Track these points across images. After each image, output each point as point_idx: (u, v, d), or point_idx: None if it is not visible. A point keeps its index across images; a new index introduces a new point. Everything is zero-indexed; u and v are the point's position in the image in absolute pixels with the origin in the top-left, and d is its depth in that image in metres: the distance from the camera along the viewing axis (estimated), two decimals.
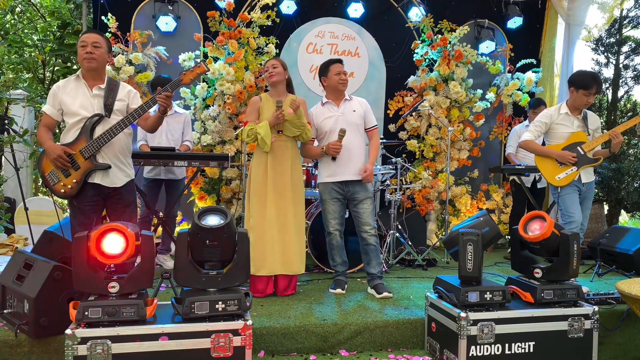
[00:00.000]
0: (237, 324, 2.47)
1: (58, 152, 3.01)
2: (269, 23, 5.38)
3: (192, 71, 3.13)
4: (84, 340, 2.31)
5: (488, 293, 2.81)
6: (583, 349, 2.86)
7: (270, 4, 5.30)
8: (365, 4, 6.00)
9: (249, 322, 2.48)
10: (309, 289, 3.87)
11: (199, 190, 5.24)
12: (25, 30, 6.60)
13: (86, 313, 2.35)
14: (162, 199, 4.61)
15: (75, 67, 6.38)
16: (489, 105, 5.90)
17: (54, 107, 3.15)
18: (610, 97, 6.42)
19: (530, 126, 3.99)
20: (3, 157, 4.44)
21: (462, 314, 2.69)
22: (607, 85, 6.49)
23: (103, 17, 5.30)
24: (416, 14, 6.00)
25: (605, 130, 3.86)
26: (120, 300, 2.41)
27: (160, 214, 4.30)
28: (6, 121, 4.11)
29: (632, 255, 4.46)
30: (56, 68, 7.02)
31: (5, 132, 4.23)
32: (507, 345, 2.76)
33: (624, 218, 7.44)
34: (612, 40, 6.38)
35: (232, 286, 2.63)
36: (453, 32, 5.71)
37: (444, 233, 5.88)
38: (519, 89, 5.94)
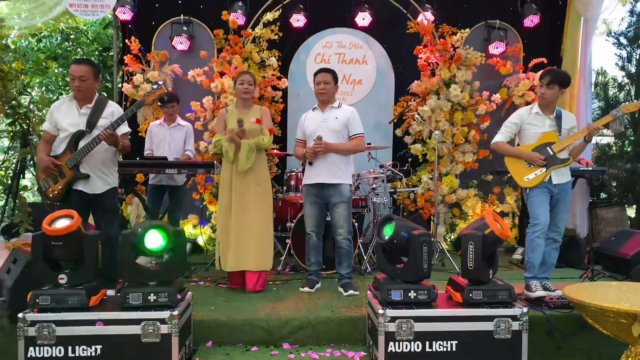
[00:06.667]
0: (164, 314, 2.76)
1: (46, 162, 3.51)
2: (275, 37, 5.69)
3: (154, 93, 3.53)
4: (32, 323, 2.70)
5: (412, 292, 2.90)
6: (512, 350, 2.85)
7: (271, 20, 5.61)
8: (373, 13, 6.13)
9: (175, 312, 2.77)
10: (282, 287, 4.10)
11: (209, 195, 5.64)
12: (74, 55, 7.45)
13: (37, 300, 2.76)
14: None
15: (109, 85, 7.11)
16: (495, 106, 5.81)
17: (50, 124, 3.65)
18: (634, 92, 6.04)
19: (502, 127, 3.96)
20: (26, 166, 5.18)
21: (380, 311, 2.81)
22: (630, 80, 6.10)
23: (126, 41, 5.89)
24: (424, 19, 6.03)
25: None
26: (68, 290, 2.80)
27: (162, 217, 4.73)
28: (29, 136, 4.78)
29: (629, 259, 4.25)
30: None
31: (28, 146, 4.89)
32: (427, 343, 2.82)
33: None
34: (632, 34, 6.00)
35: (170, 279, 2.95)
36: (454, 36, 5.69)
37: (452, 237, 5.87)
38: (530, 89, 5.78)
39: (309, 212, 4.02)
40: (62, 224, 2.79)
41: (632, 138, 6.06)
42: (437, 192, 5.06)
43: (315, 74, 4.06)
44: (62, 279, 2.80)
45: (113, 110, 3.69)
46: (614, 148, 6.22)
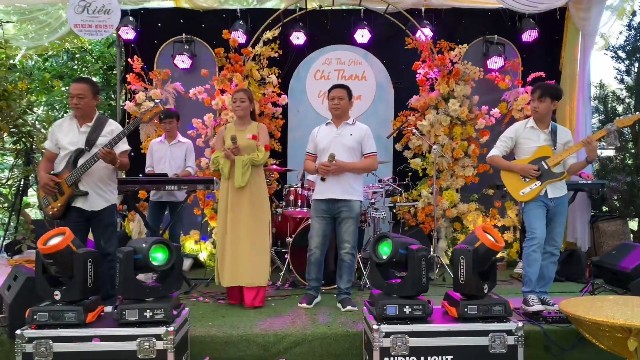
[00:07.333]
0: (160, 330, 2.78)
1: (45, 180, 3.57)
2: (275, 55, 5.78)
3: (151, 111, 3.59)
4: (30, 340, 2.73)
5: (407, 307, 2.90)
6: None
7: (272, 38, 5.70)
8: (372, 30, 6.20)
9: (171, 328, 2.79)
10: (280, 303, 4.11)
11: (210, 211, 5.68)
12: (79, 74, 7.58)
13: (35, 317, 2.79)
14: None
15: (113, 103, 7.23)
16: (494, 121, 5.84)
17: (52, 142, 3.71)
18: (633, 106, 6.05)
19: (497, 142, 3.98)
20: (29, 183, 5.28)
21: (375, 326, 2.81)
22: (629, 93, 6.11)
23: (129, 60, 5.99)
24: (422, 35, 6.09)
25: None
26: (65, 307, 2.83)
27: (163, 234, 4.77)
28: (32, 154, 4.86)
29: (629, 273, 4.22)
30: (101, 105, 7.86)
31: (30, 164, 4.98)
32: (422, 358, 2.82)
33: None
34: (630, 47, 6.03)
35: (167, 295, 2.99)
36: (452, 51, 5.75)
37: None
38: (529, 103, 5.80)
39: (315, 227, 4.02)
40: (54, 242, 2.83)
41: (633, 151, 6.05)
42: (436, 206, 5.08)
43: (330, 90, 4.07)
44: (57, 295, 2.83)
45: (112, 128, 3.74)
46: (615, 161, 6.21)
